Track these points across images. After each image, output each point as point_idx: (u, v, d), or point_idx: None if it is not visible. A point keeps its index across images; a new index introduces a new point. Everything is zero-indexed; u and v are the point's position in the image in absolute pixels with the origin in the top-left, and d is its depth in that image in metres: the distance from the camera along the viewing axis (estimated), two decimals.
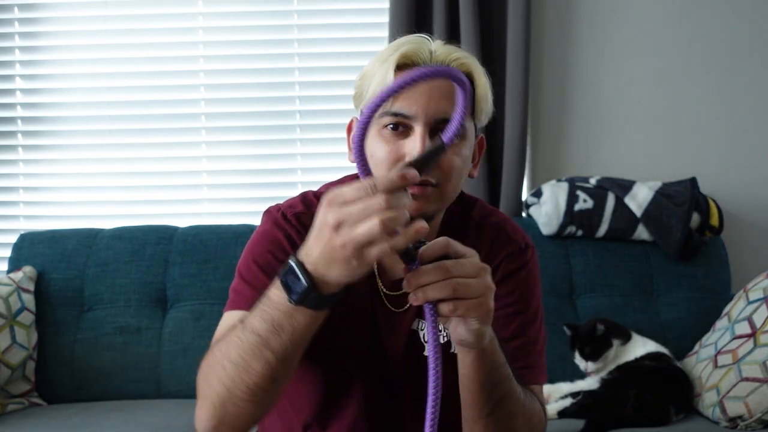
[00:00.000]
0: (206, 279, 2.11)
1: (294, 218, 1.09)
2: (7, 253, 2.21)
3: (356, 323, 1.08)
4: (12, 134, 2.48)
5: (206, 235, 2.19)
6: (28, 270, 2.11)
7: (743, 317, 1.88)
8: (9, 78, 2.48)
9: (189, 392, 1.59)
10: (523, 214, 2.32)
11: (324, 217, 0.73)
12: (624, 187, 2.20)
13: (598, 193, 2.18)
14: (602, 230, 2.17)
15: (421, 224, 0.71)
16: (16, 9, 2.46)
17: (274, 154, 2.49)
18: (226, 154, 2.49)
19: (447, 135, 0.76)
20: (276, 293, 0.82)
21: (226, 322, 1.04)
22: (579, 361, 1.95)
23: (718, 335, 1.94)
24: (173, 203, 2.49)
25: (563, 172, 2.39)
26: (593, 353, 1.92)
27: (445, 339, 1.07)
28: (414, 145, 0.98)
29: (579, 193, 2.17)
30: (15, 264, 2.16)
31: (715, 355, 1.86)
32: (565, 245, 2.19)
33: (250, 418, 0.93)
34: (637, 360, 1.92)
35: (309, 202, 1.12)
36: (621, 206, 2.16)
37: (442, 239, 0.79)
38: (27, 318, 2.03)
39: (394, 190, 0.70)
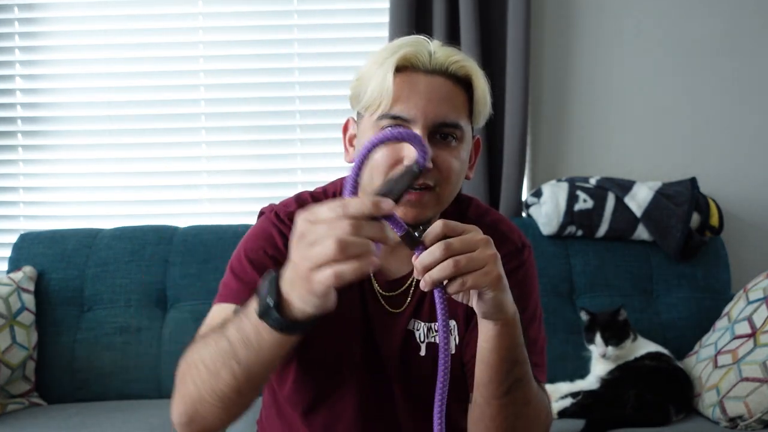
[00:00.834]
0: (206, 279, 2.11)
1: (287, 218, 1.09)
2: (7, 253, 2.21)
3: (350, 324, 1.08)
4: (12, 134, 2.48)
5: (206, 235, 2.19)
6: (28, 270, 2.11)
7: (743, 317, 1.88)
8: (9, 78, 2.48)
9: None
10: (523, 214, 2.32)
11: (296, 231, 0.73)
12: (624, 187, 2.20)
13: (598, 193, 2.18)
14: (602, 230, 2.17)
15: (374, 261, 0.70)
16: (16, 9, 2.46)
17: (274, 154, 2.49)
18: (226, 154, 2.49)
19: (420, 161, 0.78)
20: (252, 303, 0.82)
21: (211, 315, 1.06)
22: (598, 346, 1.91)
23: (718, 335, 1.94)
24: (173, 203, 2.49)
25: (563, 172, 2.39)
26: (615, 337, 1.90)
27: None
28: (412, 148, 0.98)
29: (579, 193, 2.17)
30: (15, 264, 2.16)
31: (715, 355, 1.86)
32: (565, 245, 2.19)
33: (219, 422, 0.93)
34: (637, 360, 1.92)
35: (303, 202, 1.12)
36: (621, 206, 2.16)
37: (439, 222, 0.80)
38: (27, 318, 2.03)
39: (363, 216, 0.69)
